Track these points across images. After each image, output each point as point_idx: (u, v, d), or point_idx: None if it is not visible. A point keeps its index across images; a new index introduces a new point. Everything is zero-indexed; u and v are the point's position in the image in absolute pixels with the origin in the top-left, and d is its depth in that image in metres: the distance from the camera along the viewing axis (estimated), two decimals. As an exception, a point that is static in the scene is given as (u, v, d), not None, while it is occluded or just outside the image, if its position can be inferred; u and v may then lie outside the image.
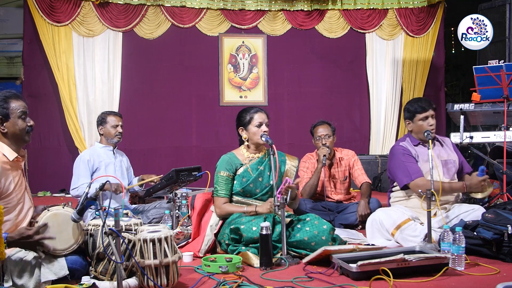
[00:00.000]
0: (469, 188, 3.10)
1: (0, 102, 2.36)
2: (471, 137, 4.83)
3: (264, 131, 3.10)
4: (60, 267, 2.23)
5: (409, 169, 3.21)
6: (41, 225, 2.21)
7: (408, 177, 3.20)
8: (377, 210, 3.36)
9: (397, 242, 3.11)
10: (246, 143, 3.20)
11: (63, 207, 2.33)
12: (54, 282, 2.21)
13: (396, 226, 3.11)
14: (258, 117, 3.12)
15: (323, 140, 3.99)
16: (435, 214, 3.12)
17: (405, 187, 3.27)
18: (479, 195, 3.14)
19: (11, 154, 2.35)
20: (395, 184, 3.38)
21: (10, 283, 2.20)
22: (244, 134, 3.18)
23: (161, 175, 3.87)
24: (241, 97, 7.03)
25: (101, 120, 3.88)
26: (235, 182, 3.13)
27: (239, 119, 3.20)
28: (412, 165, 3.22)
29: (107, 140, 3.89)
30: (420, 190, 3.08)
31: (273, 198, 2.90)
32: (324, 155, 3.88)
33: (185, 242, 3.13)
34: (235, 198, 3.14)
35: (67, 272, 2.24)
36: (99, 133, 3.91)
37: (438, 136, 3.44)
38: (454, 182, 3.17)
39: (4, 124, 2.37)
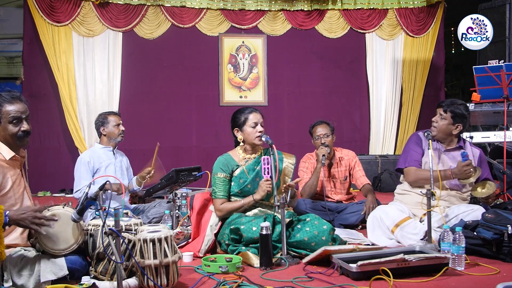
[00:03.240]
0: (455, 174, 3.07)
1: None
2: (471, 137, 4.84)
3: (259, 131, 3.10)
4: (59, 267, 2.23)
5: (409, 156, 3.27)
6: (44, 206, 2.19)
7: (404, 162, 3.28)
8: (377, 208, 3.40)
9: (398, 241, 3.12)
10: (242, 144, 3.20)
11: (63, 207, 2.33)
12: (54, 282, 2.21)
13: (396, 223, 3.13)
14: (253, 117, 3.11)
15: (322, 139, 3.99)
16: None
17: (399, 170, 3.37)
18: (471, 180, 3.07)
19: (8, 153, 2.35)
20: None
21: (10, 283, 2.20)
22: (239, 135, 3.17)
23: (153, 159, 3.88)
24: (241, 97, 7.02)
25: (102, 121, 3.87)
26: (232, 183, 3.13)
27: (234, 120, 3.19)
28: (415, 154, 3.26)
29: (109, 141, 3.88)
30: (420, 191, 3.08)
31: (263, 181, 2.93)
32: (323, 155, 3.88)
33: (185, 242, 3.13)
34: (234, 199, 3.14)
35: (67, 272, 2.23)
36: (102, 134, 3.89)
37: (468, 144, 3.38)
38: (446, 170, 3.13)
39: None
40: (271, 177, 2.91)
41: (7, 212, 2.12)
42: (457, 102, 3.27)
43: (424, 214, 3.07)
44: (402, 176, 3.42)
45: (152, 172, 3.88)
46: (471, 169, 3.03)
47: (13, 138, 2.36)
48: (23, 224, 2.15)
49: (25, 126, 2.37)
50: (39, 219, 2.14)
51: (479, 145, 5.24)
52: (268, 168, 2.90)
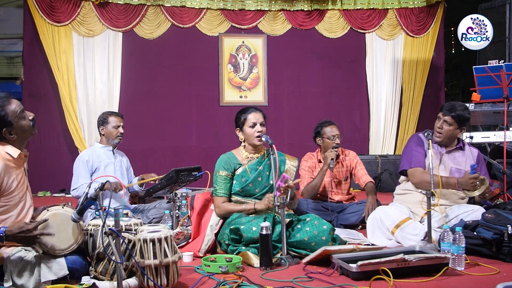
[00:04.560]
0: (460, 184, 3.06)
1: (1, 113, 2.29)
2: (471, 137, 4.84)
3: (259, 131, 3.10)
4: (60, 267, 2.23)
5: (413, 157, 3.26)
6: (41, 220, 2.20)
7: (408, 164, 3.26)
8: (377, 209, 3.39)
9: (397, 242, 3.12)
10: (243, 144, 3.21)
11: (63, 207, 2.33)
12: (54, 282, 2.21)
13: (396, 224, 3.12)
14: (252, 118, 3.12)
15: (337, 139, 3.98)
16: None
17: (403, 173, 3.34)
18: (475, 193, 3.05)
19: (15, 152, 2.35)
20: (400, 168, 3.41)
21: (10, 283, 2.20)
22: (240, 135, 3.20)
23: (162, 176, 3.87)
24: (241, 97, 7.02)
25: (103, 121, 3.87)
26: (234, 182, 3.13)
27: (235, 120, 3.22)
28: (418, 155, 3.25)
29: (107, 141, 3.88)
30: (420, 190, 3.08)
31: (270, 193, 2.91)
32: (332, 159, 3.87)
33: (185, 242, 3.13)
34: (234, 198, 3.14)
35: (67, 272, 2.24)
36: (100, 134, 3.90)
37: (467, 145, 3.39)
38: (451, 177, 3.15)
39: (12, 132, 2.34)
40: (264, 174, 2.89)
41: (4, 228, 2.13)
42: (459, 105, 3.25)
43: (425, 214, 3.07)
44: (402, 177, 3.42)
45: (156, 180, 3.89)
46: (477, 183, 3.02)
47: (29, 129, 2.41)
48: (19, 239, 2.19)
49: (31, 114, 2.44)
50: (35, 236, 2.18)
51: (479, 145, 5.26)
52: (280, 185, 2.83)
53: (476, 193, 3.05)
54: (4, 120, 2.31)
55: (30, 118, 2.42)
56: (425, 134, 3.21)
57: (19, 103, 2.40)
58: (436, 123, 3.29)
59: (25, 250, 2.28)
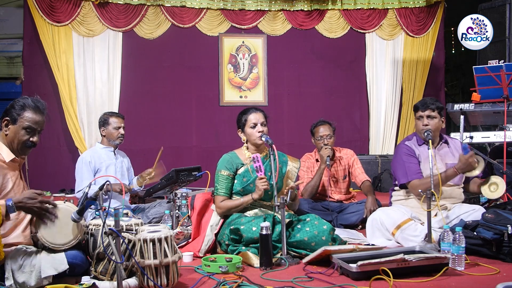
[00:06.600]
0: (460, 169, 3.06)
1: (16, 107, 2.34)
2: (471, 137, 4.83)
3: (260, 131, 3.10)
4: (60, 262, 2.23)
5: (407, 169, 3.22)
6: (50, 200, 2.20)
7: (405, 177, 3.23)
8: (378, 210, 3.37)
9: (398, 242, 3.11)
10: (245, 144, 3.22)
11: (64, 203, 2.34)
12: (54, 281, 2.21)
13: (397, 226, 3.11)
14: (252, 118, 3.14)
15: (325, 140, 3.98)
16: (435, 215, 3.12)
17: (403, 186, 3.30)
18: (477, 171, 3.08)
19: (8, 155, 2.35)
20: (397, 182, 3.39)
21: (11, 281, 2.20)
22: (242, 136, 3.21)
23: (155, 163, 3.89)
24: (241, 97, 7.02)
25: (103, 121, 3.87)
26: (235, 181, 3.14)
27: (237, 122, 3.24)
28: (412, 165, 3.22)
29: (108, 141, 3.88)
30: (420, 190, 3.07)
31: (259, 179, 2.94)
32: (328, 156, 3.87)
33: (185, 242, 3.13)
34: (235, 197, 3.14)
35: (67, 267, 2.23)
36: (101, 134, 3.91)
37: (448, 138, 3.41)
38: (448, 169, 3.13)
39: (9, 127, 2.36)
40: (266, 175, 2.92)
41: (11, 199, 2.12)
42: (430, 98, 3.35)
43: (435, 215, 3.07)
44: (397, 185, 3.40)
45: (153, 174, 3.90)
46: (475, 159, 3.04)
47: (19, 144, 2.37)
48: (29, 207, 2.15)
49: (35, 138, 2.39)
50: (44, 204, 2.15)
51: (479, 145, 5.25)
52: (259, 166, 2.90)
53: (477, 171, 3.07)
54: (14, 115, 2.33)
55: (31, 140, 2.38)
56: (425, 134, 3.20)
57: (41, 122, 2.38)
58: (418, 124, 3.29)
59: (26, 247, 2.29)
